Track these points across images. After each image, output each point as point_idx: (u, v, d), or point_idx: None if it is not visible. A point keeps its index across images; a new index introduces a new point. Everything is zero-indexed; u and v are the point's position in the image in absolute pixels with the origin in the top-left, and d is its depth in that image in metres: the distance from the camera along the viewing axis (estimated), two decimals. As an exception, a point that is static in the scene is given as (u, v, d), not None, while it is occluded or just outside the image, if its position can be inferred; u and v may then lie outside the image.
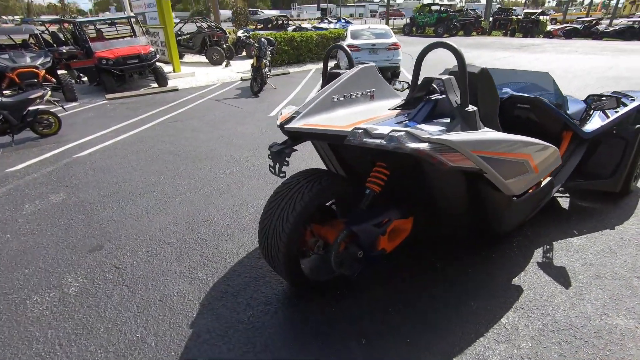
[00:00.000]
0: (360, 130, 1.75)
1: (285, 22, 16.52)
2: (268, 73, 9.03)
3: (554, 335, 1.92)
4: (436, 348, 1.88)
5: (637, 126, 2.90)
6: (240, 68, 12.74)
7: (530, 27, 21.08)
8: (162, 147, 5.17)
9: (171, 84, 9.94)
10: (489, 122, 2.11)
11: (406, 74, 10.59)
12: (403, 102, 2.18)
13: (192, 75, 11.22)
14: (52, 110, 5.93)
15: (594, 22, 20.76)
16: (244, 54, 16.03)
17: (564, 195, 3.29)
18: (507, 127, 2.30)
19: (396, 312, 2.12)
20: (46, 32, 10.93)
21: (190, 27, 15.72)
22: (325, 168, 2.76)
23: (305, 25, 18.53)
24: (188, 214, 3.34)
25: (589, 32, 19.70)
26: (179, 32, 14.03)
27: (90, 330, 2.08)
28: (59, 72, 8.59)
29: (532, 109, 2.76)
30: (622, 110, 2.88)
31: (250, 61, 14.33)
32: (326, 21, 22.89)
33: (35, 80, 7.13)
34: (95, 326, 2.11)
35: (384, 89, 2.33)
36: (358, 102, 2.18)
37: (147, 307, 2.24)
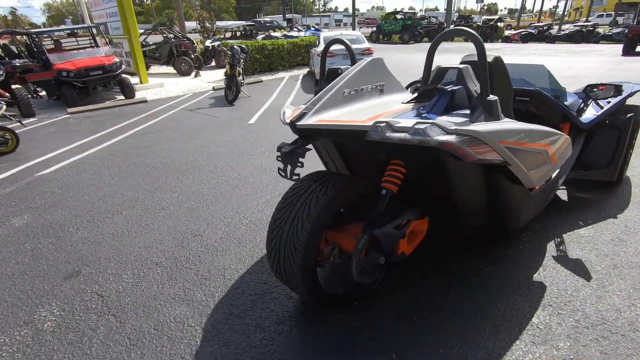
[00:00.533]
0: (382, 124, 1.59)
1: (254, 31, 16.33)
2: (242, 81, 8.79)
3: (589, 331, 1.83)
4: (472, 357, 1.73)
5: (629, 115, 2.95)
6: (211, 78, 12.40)
7: (490, 33, 22.13)
8: (136, 160, 4.80)
9: (139, 95, 9.46)
10: (504, 111, 2.02)
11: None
12: (416, 94, 2.06)
13: (161, 86, 10.77)
14: (8, 126, 5.39)
15: (546, 27, 22.09)
16: (212, 64, 15.69)
17: (561, 187, 3.30)
18: None
19: (422, 320, 1.96)
20: (-4, 45, 10.13)
21: (156, 38, 15.23)
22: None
23: (275, 33, 18.43)
24: (175, 229, 3.05)
25: (543, 36, 20.92)
26: (144, 43, 13.51)
27: (74, 372, 1.77)
28: (13, 86, 7.94)
29: (531, 101, 2.73)
30: (615, 100, 2.92)
31: (221, 71, 14.07)
32: (295, 29, 22.97)
33: (-14, 95, 6.52)
34: (81, 366, 1.80)
35: (393, 83, 2.20)
36: (369, 96, 2.03)
37: (141, 338, 1.96)
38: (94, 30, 9.79)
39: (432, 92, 2.02)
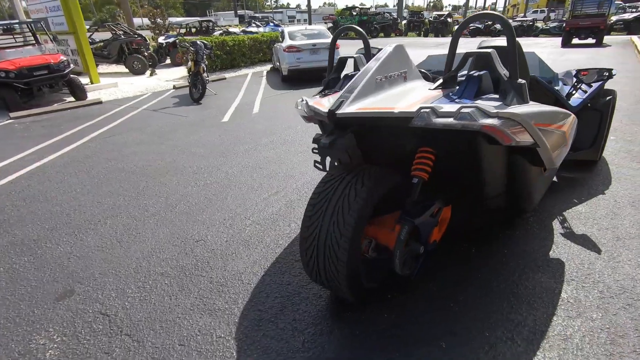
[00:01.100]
0: (427, 110, 1.55)
1: (211, 27, 15.67)
2: (207, 78, 8.40)
3: (615, 301, 1.93)
4: (519, 336, 1.75)
5: (608, 98, 3.17)
6: (169, 76, 11.76)
7: (441, 28, 23.11)
8: (107, 165, 4.40)
9: (91, 96, 8.74)
10: None
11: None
12: (440, 81, 2.04)
13: (115, 86, 10.02)
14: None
15: (491, 22, 23.44)
16: (168, 61, 14.89)
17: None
18: None
19: (458, 306, 1.96)
20: None
21: (102, 36, 14.18)
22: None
23: (233, 29, 17.83)
24: (172, 236, 2.82)
25: (489, 30, 22.21)
26: (90, 40, 12.47)
27: (97, 404, 1.56)
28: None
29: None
30: (596, 85, 3.11)
31: (178, 69, 13.38)
32: (254, 25, 22.43)
33: None
34: (103, 396, 1.59)
35: (413, 70, 2.17)
36: (395, 83, 1.98)
37: (167, 356, 1.77)
38: (36, 26, 8.85)
39: (454, 79, 2.01)
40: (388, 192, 1.82)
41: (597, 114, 3.16)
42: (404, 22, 25.49)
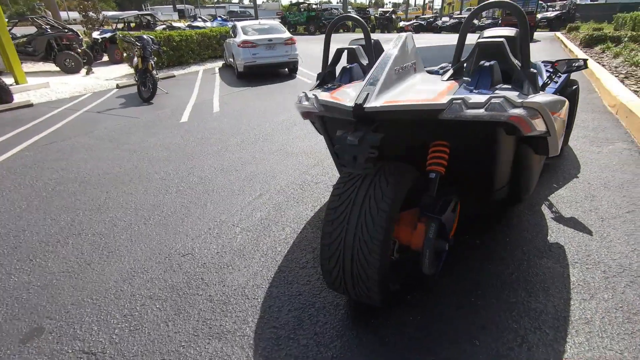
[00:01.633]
0: (459, 102, 1.48)
1: (152, 21, 14.58)
2: (157, 76, 7.78)
3: (619, 279, 2.02)
4: (545, 325, 1.76)
5: (574, 87, 3.36)
6: (109, 75, 10.80)
7: (387, 24, 23.76)
8: (55, 176, 3.85)
9: (19, 98, 7.72)
10: None
11: (303, 69, 10.57)
12: (450, 71, 1.98)
13: (46, 86, 8.96)
14: None
15: (433, 19, 24.64)
16: (105, 59, 13.68)
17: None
18: None
19: (481, 299, 1.93)
20: None
21: (25, 30, 12.64)
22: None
23: (178, 24, 16.78)
24: (153, 252, 2.50)
25: (432, 26, 23.28)
26: (12, 35, 11.01)
27: None
28: None
29: None
30: (564, 75, 3.28)
31: (118, 67, 12.30)
32: (200, 19, 21.29)
33: None
34: None
35: (419, 61, 2.09)
36: (409, 74, 1.89)
37: (179, 394, 1.53)
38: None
39: (462, 69, 1.97)
40: (412, 188, 1.73)
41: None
42: (351, 18, 25.82)
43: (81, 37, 11.89)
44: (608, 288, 1.96)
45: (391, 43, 1.86)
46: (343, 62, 2.54)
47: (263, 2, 51.92)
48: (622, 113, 4.58)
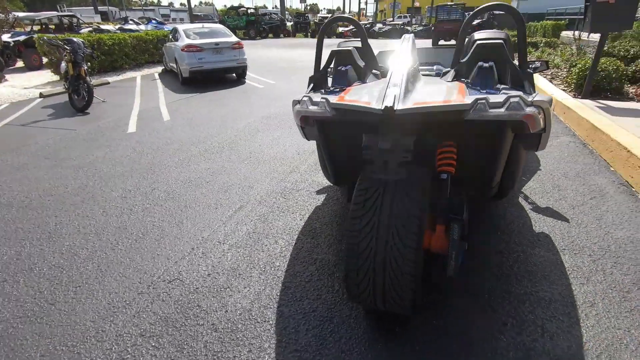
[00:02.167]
0: (483, 102, 1.48)
1: (75, 23, 13.19)
2: (91, 83, 7.02)
3: (605, 261, 2.18)
4: (558, 312, 1.83)
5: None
6: (28, 82, 9.59)
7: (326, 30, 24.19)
8: (-17, 202, 3.25)
9: None
10: None
11: (252, 74, 10.31)
12: (452, 72, 1.99)
13: (-51, 97, 7.64)
14: None
15: (369, 25, 25.64)
16: (20, 64, 12.13)
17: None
18: None
19: (492, 295, 1.96)
20: None
21: None
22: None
23: (107, 27, 15.38)
24: (131, 282, 2.19)
25: (369, 32, 24.17)
26: None
27: None
28: None
29: None
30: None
31: (36, 73, 10.93)
32: (131, 22, 19.69)
33: None
34: None
35: (418, 62, 2.08)
36: (417, 75, 1.86)
37: None
38: None
39: (462, 70, 2.00)
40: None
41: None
42: (291, 23, 25.92)
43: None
44: (598, 270, 2.11)
45: (403, 44, 1.83)
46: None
47: (195, 5, 49.97)
48: (559, 110, 5.10)
